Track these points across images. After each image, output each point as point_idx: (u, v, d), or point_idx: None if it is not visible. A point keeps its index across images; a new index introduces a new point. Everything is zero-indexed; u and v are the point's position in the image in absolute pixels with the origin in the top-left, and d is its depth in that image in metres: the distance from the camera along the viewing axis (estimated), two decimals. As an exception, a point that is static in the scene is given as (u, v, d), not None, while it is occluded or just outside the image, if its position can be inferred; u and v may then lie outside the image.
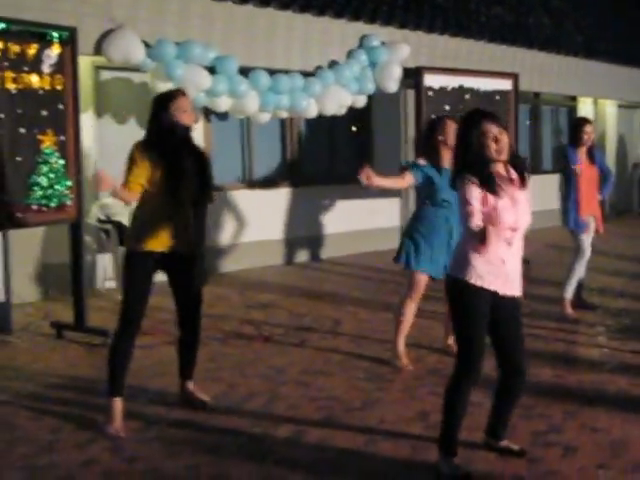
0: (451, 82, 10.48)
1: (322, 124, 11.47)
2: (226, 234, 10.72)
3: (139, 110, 9.37)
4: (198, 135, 9.94)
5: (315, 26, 10.09)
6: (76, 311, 7.43)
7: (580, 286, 8.66)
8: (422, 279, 6.55)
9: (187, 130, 5.27)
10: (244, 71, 8.80)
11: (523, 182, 4.51)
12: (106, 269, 9.46)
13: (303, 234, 11.70)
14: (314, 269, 11.32)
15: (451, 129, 6.31)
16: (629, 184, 17.90)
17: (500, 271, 4.41)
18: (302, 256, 11.77)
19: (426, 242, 6.45)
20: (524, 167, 4.59)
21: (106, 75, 9.31)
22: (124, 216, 9.22)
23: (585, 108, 16.87)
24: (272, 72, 9.00)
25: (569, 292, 8.32)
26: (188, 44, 8.31)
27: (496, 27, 13.30)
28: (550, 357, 6.80)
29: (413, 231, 6.55)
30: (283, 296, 9.40)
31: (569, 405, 5.69)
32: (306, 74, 9.29)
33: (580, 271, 8.35)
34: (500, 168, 4.43)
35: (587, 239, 8.28)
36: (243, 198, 10.92)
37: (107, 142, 9.15)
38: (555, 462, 4.73)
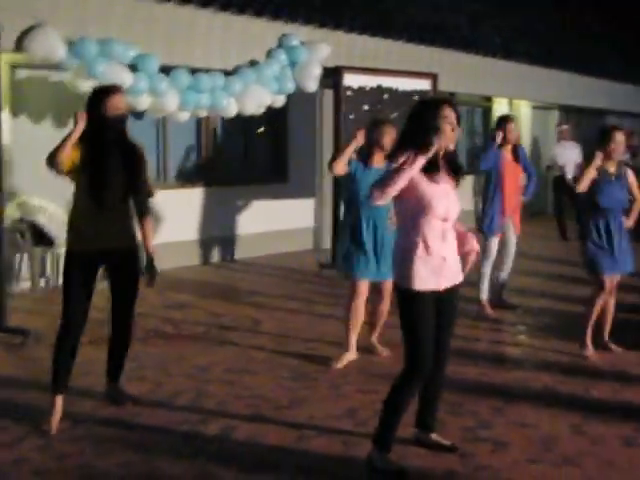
0: (370, 82, 10.65)
1: (238, 124, 11.53)
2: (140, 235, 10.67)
3: (55, 109, 9.33)
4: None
5: (235, 25, 10.16)
6: (-5, 311, 7.35)
7: (502, 286, 8.91)
8: (364, 286, 6.71)
9: (120, 124, 5.31)
10: (164, 69, 8.82)
11: (457, 179, 4.68)
12: (21, 270, 9.36)
13: (218, 234, 11.71)
14: (230, 269, 11.36)
15: (389, 133, 6.56)
16: (543, 186, 18.34)
17: (442, 269, 4.57)
18: (217, 256, 11.79)
19: (366, 249, 6.61)
20: (459, 164, 4.75)
21: (22, 74, 9.19)
22: (39, 215, 9.18)
23: (500, 109, 17.21)
24: (193, 71, 9.04)
25: (485, 293, 8.57)
26: (109, 42, 8.27)
27: (414, 27, 13.56)
28: (473, 356, 7.00)
29: (345, 239, 6.71)
30: (201, 296, 9.43)
31: (496, 402, 5.91)
32: (226, 73, 9.35)
33: (488, 271, 8.60)
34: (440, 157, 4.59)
35: (496, 241, 8.52)
36: (158, 198, 10.85)
37: (22, 142, 9.04)
38: (486, 457, 4.93)
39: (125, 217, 5.45)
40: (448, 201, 4.56)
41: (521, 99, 17.62)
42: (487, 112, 17.46)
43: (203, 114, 9.32)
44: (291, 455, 4.92)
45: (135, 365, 6.44)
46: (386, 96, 10.80)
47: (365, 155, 6.67)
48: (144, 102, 8.50)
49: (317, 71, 9.78)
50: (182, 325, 8.01)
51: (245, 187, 12.00)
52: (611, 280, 7.05)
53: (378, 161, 6.59)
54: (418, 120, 4.54)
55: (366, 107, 10.55)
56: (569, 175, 14.41)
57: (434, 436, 5.04)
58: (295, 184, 12.61)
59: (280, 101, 9.79)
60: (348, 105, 10.41)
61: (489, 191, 8.47)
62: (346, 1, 12.53)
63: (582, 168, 7.13)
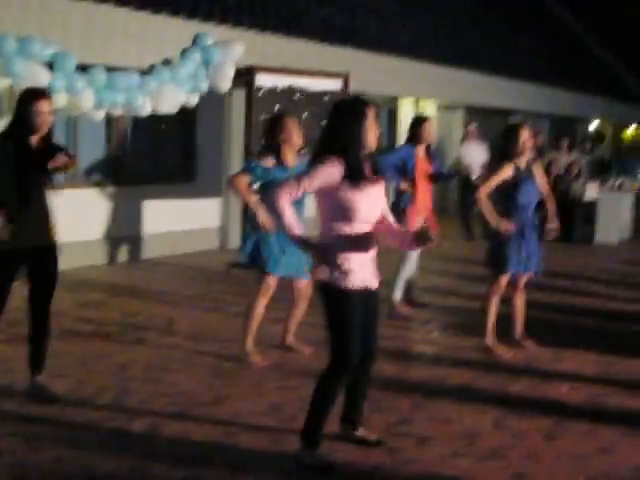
0: (282, 82, 10.84)
1: (147, 123, 11.58)
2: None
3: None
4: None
5: (151, 24, 10.26)
6: None
7: (410, 286, 9.22)
8: (271, 280, 6.90)
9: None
10: (81, 68, 8.86)
11: (377, 178, 4.81)
12: None
13: (125, 233, 11.73)
14: (138, 269, 11.37)
15: (293, 127, 6.74)
16: (445, 186, 18.67)
17: (366, 267, 4.79)
18: (124, 256, 11.79)
19: (278, 244, 6.76)
20: (377, 163, 4.90)
21: None
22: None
23: (406, 108, 17.60)
24: (108, 69, 9.11)
25: (397, 295, 8.83)
26: (28, 40, 8.28)
27: (325, 28, 13.85)
28: (390, 353, 7.17)
29: (262, 235, 6.83)
30: (113, 295, 9.48)
31: (416, 398, 6.18)
32: (141, 72, 9.44)
33: (406, 275, 8.89)
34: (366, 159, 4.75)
35: None
36: (66, 197, 10.81)
37: None
38: (412, 451, 5.18)
39: (45, 214, 5.65)
40: (370, 206, 4.71)
41: (427, 98, 17.99)
42: (393, 111, 17.79)
43: (118, 113, 9.39)
44: (220, 451, 5.11)
45: (56, 362, 6.46)
46: (298, 96, 11.02)
47: (279, 155, 6.78)
48: (60, 100, 8.52)
49: (231, 71, 9.92)
50: (97, 324, 8.09)
51: (153, 186, 12.05)
52: (517, 278, 7.40)
53: (290, 157, 6.80)
54: (342, 127, 4.66)
55: (277, 106, 10.74)
56: (474, 175, 14.86)
57: (360, 431, 5.25)
58: (202, 183, 12.73)
59: (194, 100, 9.92)
60: (260, 105, 10.59)
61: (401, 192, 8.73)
62: (260, 2, 12.72)
63: (488, 169, 7.38)
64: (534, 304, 8.05)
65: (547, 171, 15.94)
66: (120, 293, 9.63)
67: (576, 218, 15.35)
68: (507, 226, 7.07)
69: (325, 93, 11.34)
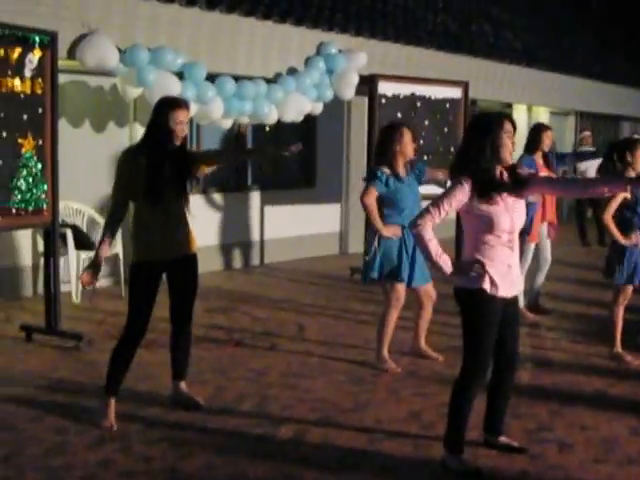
0: (403, 90, 10.81)
1: (267, 131, 11.69)
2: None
3: (94, 114, 9.53)
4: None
5: (276, 33, 10.34)
6: (47, 314, 7.53)
7: (538, 292, 9.11)
8: (402, 289, 6.88)
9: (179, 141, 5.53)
10: (208, 77, 8.99)
11: (519, 188, 4.78)
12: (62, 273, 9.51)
13: (244, 239, 11.86)
14: (259, 274, 11.49)
15: (407, 138, 6.72)
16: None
17: (507, 277, 4.76)
18: (243, 261, 11.91)
19: (404, 254, 6.77)
20: (519, 174, 4.84)
21: (61, 78, 9.36)
22: (79, 219, 9.34)
23: (520, 115, 17.49)
24: (234, 78, 9.21)
25: (523, 301, 8.70)
26: (160, 50, 8.47)
27: (442, 35, 13.80)
28: (521, 360, 7.07)
29: (382, 245, 6.79)
30: (239, 301, 9.56)
31: (552, 405, 6.12)
32: (266, 80, 9.52)
33: (539, 282, 8.82)
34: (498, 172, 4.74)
35: (532, 247, 8.74)
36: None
37: (62, 146, 9.22)
38: (554, 457, 5.15)
39: (185, 224, 5.68)
40: (512, 216, 4.70)
41: (541, 105, 17.80)
42: (507, 118, 17.57)
43: (245, 121, 9.49)
44: (365, 457, 5.11)
45: (194, 369, 6.57)
46: (419, 104, 10.96)
47: (393, 165, 6.75)
48: (191, 110, 8.67)
49: (355, 79, 9.96)
50: (228, 330, 8.16)
51: (276, 192, 12.16)
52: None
53: (402, 167, 6.78)
54: (482, 135, 4.65)
55: (399, 115, 10.70)
56: None
57: (503, 438, 5.23)
58: (322, 189, 12.78)
59: (318, 109, 9.97)
60: (382, 112, 10.57)
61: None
62: (379, 10, 12.71)
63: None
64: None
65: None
66: (245, 299, 9.70)
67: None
68: (633, 240, 7.08)
69: (445, 101, 11.25)
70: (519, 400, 6.04)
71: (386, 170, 6.73)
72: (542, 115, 18.26)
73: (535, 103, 17.47)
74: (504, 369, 5.01)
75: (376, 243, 6.78)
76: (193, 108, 8.70)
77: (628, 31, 24.44)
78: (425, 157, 11.08)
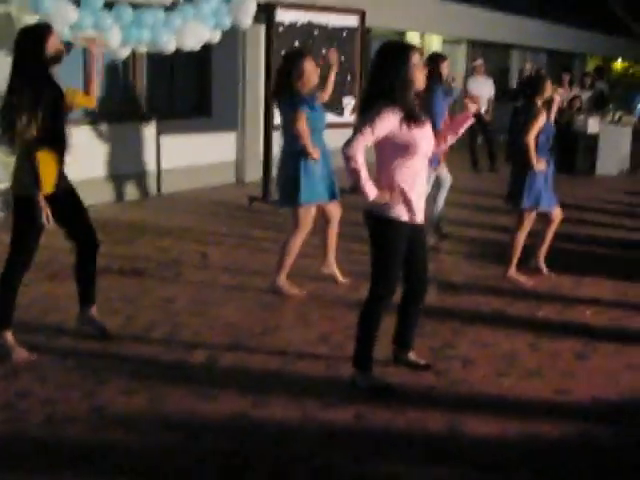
0: (300, 18, 10.80)
1: (165, 61, 11.50)
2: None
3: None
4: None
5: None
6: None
7: (439, 217, 9.34)
8: (313, 212, 7.00)
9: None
10: (106, 5, 8.79)
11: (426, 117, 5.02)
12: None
13: (140, 169, 11.71)
14: (155, 205, 11.39)
15: (311, 67, 6.75)
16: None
17: (419, 202, 4.98)
18: (141, 192, 11.78)
19: (306, 175, 6.86)
20: (426, 102, 5.14)
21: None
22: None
23: (413, 43, 17.62)
24: (133, 6, 9.04)
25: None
26: (55, -23, 8.25)
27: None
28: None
29: (291, 168, 6.89)
30: (139, 232, 9.50)
31: (454, 324, 6.45)
32: (164, 9, 9.36)
33: (439, 206, 9.11)
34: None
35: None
36: (83, 134, 10.77)
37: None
38: (459, 373, 5.46)
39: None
40: (427, 140, 4.93)
41: (434, 33, 17.99)
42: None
43: (143, 50, 9.35)
44: (280, 378, 5.30)
45: (102, 299, 6.54)
46: (317, 32, 10.98)
47: (291, 92, 6.79)
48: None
49: (252, 7, 9.89)
50: (132, 260, 8.14)
51: (170, 122, 12.01)
52: (550, 210, 7.66)
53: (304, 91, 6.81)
54: (393, 71, 4.76)
55: (297, 43, 10.71)
56: (482, 109, 14.99)
57: (411, 355, 5.50)
58: (218, 118, 12.71)
59: (216, 37, 9.88)
60: (279, 41, 10.54)
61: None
62: None
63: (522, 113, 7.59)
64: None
65: (549, 105, 16.06)
66: (145, 230, 9.64)
67: (578, 150, 15.52)
68: (542, 166, 7.41)
69: (343, 29, 11.29)
70: (423, 320, 6.21)
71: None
72: (435, 43, 18.48)
73: (428, 31, 17.63)
74: (415, 289, 5.25)
75: (301, 167, 6.83)
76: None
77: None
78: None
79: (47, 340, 5.80)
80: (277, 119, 9.77)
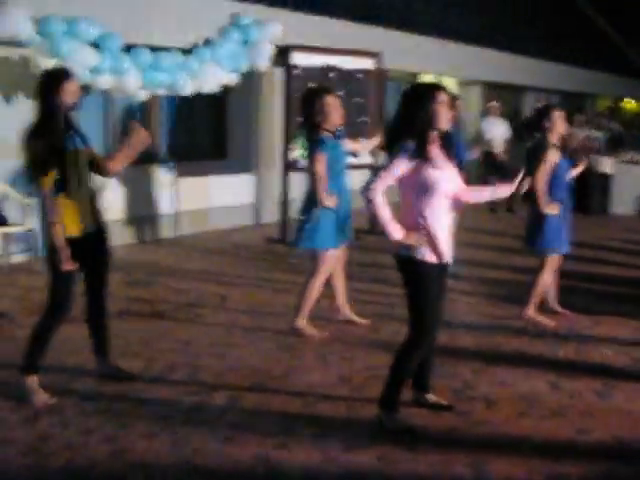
0: (316, 60, 10.87)
1: (181, 103, 11.59)
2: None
3: (8, 86, 9.31)
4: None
5: (190, 3, 10.26)
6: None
7: None
8: (334, 256, 6.95)
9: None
10: (124, 48, 8.89)
11: (451, 158, 4.99)
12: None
13: (157, 211, 11.74)
14: (171, 246, 11.31)
15: (334, 104, 6.69)
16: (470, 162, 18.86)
17: (447, 242, 4.93)
18: (158, 234, 11.77)
19: (328, 218, 6.81)
20: (451, 142, 5.09)
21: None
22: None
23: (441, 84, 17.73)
24: (151, 49, 9.12)
25: None
26: (75, 20, 8.32)
27: (354, 6, 13.90)
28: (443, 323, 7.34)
29: (312, 211, 6.81)
30: (157, 274, 9.47)
31: (474, 364, 6.40)
32: (182, 52, 9.46)
33: None
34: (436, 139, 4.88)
35: None
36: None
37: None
38: (481, 414, 5.42)
39: (93, 198, 5.55)
40: (450, 181, 4.89)
41: (449, 76, 18.08)
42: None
43: (161, 92, 9.41)
44: (300, 420, 5.25)
45: (121, 342, 6.58)
46: (332, 74, 11.06)
47: (310, 129, 6.74)
48: (106, 81, 8.58)
49: (269, 49, 9.97)
50: (150, 303, 8.12)
51: (187, 164, 12.05)
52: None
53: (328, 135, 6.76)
54: (416, 110, 4.78)
55: (313, 85, 10.77)
56: (497, 149, 15.15)
57: (430, 396, 5.45)
58: (234, 160, 12.76)
59: (234, 80, 9.95)
60: (296, 83, 10.61)
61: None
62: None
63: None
64: (562, 274, 8.18)
65: (564, 146, 16.13)
66: (163, 271, 9.63)
67: (592, 190, 15.52)
68: (554, 209, 7.34)
69: (359, 71, 11.38)
70: (443, 360, 6.28)
71: (328, 134, 6.74)
72: (450, 85, 18.55)
73: (443, 73, 17.72)
74: None
75: (317, 211, 6.78)
76: (108, 79, 8.62)
77: (532, 3, 24.93)
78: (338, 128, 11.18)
79: (67, 382, 5.79)
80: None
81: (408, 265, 4.91)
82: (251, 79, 12.19)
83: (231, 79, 9.92)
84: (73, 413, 5.26)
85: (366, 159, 11.69)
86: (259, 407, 5.44)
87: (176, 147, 12.12)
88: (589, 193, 15.45)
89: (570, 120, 17.10)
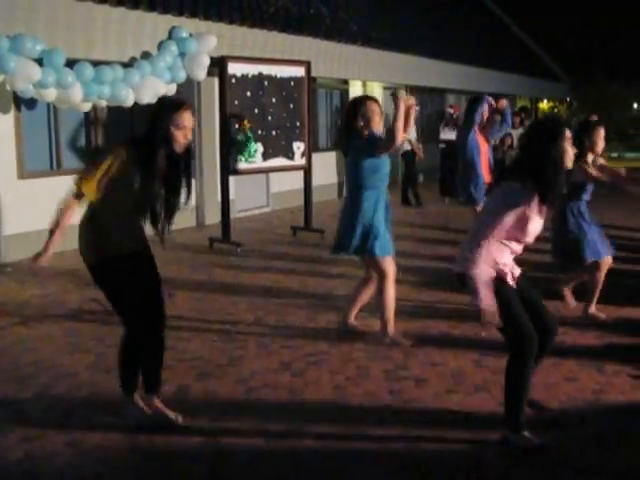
0: (251, 70, 10.91)
1: (123, 112, 11.53)
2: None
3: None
4: (8, 124, 9.84)
5: (129, 19, 10.25)
6: None
7: None
8: (392, 262, 6.64)
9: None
10: (67, 63, 8.85)
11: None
12: None
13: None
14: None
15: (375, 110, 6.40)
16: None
17: (514, 260, 4.69)
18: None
19: (382, 225, 6.49)
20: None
21: None
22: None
23: (355, 90, 17.92)
24: (93, 63, 9.10)
25: None
26: (19, 37, 8.26)
27: (284, 18, 14.00)
28: (370, 309, 7.37)
29: (369, 219, 6.44)
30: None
31: (404, 347, 6.50)
32: (122, 65, 9.45)
33: None
34: None
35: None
36: (52, 185, 10.74)
37: None
38: (412, 392, 5.52)
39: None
40: (540, 223, 4.57)
41: (374, 81, 18.26)
42: (344, 93, 18.05)
43: (104, 104, 9.38)
44: (247, 405, 5.29)
45: (73, 339, 6.55)
46: (266, 83, 11.11)
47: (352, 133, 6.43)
48: (51, 94, 8.53)
49: (206, 61, 9.99)
50: (103, 302, 8.05)
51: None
52: None
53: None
54: (547, 144, 4.40)
55: (248, 93, 10.83)
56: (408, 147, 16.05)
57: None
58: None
59: (172, 90, 9.96)
60: (232, 92, 10.64)
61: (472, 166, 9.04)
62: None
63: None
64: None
65: (502, 142, 16.50)
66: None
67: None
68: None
69: (290, 79, 11.46)
70: (376, 345, 6.46)
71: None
72: (376, 90, 18.76)
73: (370, 79, 17.90)
74: (543, 335, 4.71)
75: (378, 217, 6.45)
76: (52, 93, 8.58)
77: (450, 11, 25.32)
78: (273, 132, 11.27)
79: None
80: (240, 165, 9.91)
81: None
82: (191, 88, 12.23)
83: (170, 90, 9.92)
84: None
85: (298, 162, 11.81)
86: (206, 396, 5.47)
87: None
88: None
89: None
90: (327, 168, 16.74)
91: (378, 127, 6.45)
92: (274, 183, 14.90)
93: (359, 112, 6.35)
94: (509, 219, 4.35)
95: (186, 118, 4.66)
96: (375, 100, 6.49)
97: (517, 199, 4.36)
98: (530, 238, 4.54)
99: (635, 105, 43.15)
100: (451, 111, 18.49)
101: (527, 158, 4.45)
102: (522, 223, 4.42)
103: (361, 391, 5.48)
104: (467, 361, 6.16)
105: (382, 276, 6.53)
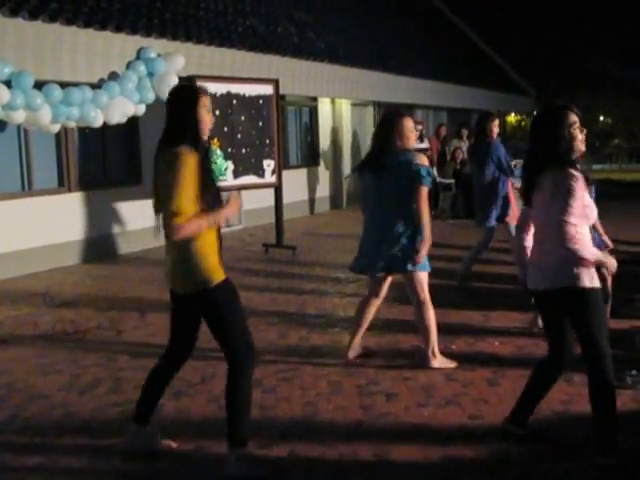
0: (220, 89, 10.97)
1: (94, 133, 11.55)
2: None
3: None
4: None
5: (97, 40, 10.30)
6: None
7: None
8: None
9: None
10: (35, 85, 8.85)
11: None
12: None
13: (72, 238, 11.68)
14: (93, 270, 11.30)
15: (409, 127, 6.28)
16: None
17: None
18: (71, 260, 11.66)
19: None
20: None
21: None
22: None
23: (324, 107, 18.05)
24: (61, 85, 9.11)
25: None
26: (-15, 60, 8.26)
27: (252, 37, 14.08)
28: (341, 324, 7.57)
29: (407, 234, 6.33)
30: (80, 296, 9.42)
31: (377, 362, 6.58)
32: (91, 86, 9.47)
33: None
34: None
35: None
36: (23, 205, 10.76)
37: None
38: (383, 406, 5.54)
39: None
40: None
41: (343, 98, 18.37)
42: (314, 110, 18.15)
43: (72, 125, 9.38)
44: (217, 423, 5.22)
45: (48, 361, 6.57)
46: (235, 101, 11.18)
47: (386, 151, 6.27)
48: (19, 116, 8.53)
49: (174, 81, 10.02)
50: (77, 323, 8.09)
51: (102, 191, 12.03)
52: None
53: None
54: (554, 133, 4.43)
55: (217, 112, 10.87)
56: None
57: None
58: (149, 185, 12.69)
59: (141, 110, 9.98)
60: (201, 110, 10.67)
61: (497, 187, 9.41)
62: (192, 15, 12.84)
63: None
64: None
65: (453, 157, 16.61)
66: (88, 296, 9.48)
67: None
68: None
69: (259, 97, 11.53)
70: (347, 361, 6.52)
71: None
72: (344, 106, 18.87)
73: (338, 96, 18.00)
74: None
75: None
76: (21, 115, 8.57)
77: (416, 27, 25.57)
78: (243, 150, 11.32)
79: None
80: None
81: (577, 295, 4.43)
82: (161, 107, 12.21)
83: (139, 110, 9.94)
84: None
85: (268, 179, 11.86)
86: (179, 415, 5.50)
87: (91, 175, 12.06)
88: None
89: (458, 134, 17.73)
90: (298, 185, 16.83)
91: (413, 143, 6.35)
92: (245, 201, 14.91)
93: (396, 130, 6.19)
94: (578, 204, 4.32)
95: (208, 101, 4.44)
96: (409, 116, 6.37)
97: (576, 185, 4.32)
98: (592, 220, 4.50)
99: (601, 118, 43.76)
100: (420, 127, 18.60)
101: (553, 143, 4.42)
102: (585, 208, 4.38)
103: (332, 407, 5.53)
104: (437, 375, 6.22)
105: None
